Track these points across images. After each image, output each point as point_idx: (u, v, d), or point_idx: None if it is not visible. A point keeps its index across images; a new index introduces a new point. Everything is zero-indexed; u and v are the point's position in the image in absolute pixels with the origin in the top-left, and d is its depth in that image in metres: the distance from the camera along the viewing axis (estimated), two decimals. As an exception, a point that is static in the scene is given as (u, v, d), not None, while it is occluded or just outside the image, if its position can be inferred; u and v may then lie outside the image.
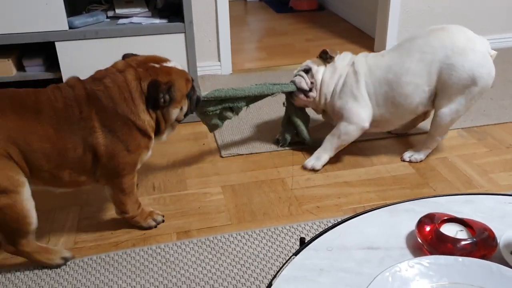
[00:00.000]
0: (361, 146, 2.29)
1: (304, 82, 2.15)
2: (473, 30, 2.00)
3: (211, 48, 3.13)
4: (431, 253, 0.85)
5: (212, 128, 2.12)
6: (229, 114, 2.09)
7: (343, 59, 2.14)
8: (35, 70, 2.37)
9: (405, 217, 0.96)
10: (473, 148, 2.28)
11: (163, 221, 1.81)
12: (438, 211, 0.93)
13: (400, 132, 2.38)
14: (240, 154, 2.27)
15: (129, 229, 1.79)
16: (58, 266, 1.60)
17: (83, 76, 2.36)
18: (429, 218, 0.89)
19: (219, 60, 3.17)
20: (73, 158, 1.51)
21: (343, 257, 0.87)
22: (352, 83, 2.05)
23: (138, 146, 1.60)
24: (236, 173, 2.14)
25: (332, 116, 2.18)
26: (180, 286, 1.53)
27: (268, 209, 1.89)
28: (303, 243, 0.90)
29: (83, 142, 1.51)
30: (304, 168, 2.14)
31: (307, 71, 2.17)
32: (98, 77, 1.58)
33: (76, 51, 2.29)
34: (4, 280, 1.57)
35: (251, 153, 2.28)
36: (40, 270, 1.60)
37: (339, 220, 0.96)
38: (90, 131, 1.51)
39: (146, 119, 1.59)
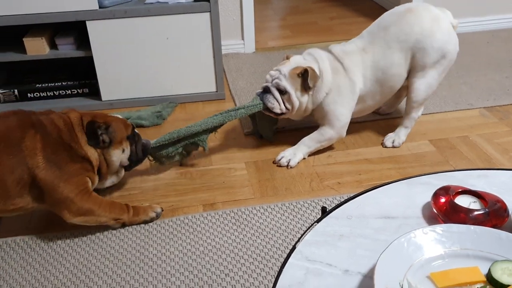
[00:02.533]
0: (383, 124, 2.33)
1: (278, 107, 2.03)
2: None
3: (235, 26, 3.17)
4: (445, 223, 0.90)
5: (182, 161, 2.08)
6: (193, 148, 2.02)
7: (325, 71, 2.02)
8: (66, 49, 2.46)
9: (421, 189, 1.02)
10: (494, 127, 2.30)
11: (162, 211, 1.80)
12: (453, 185, 0.98)
13: (387, 112, 2.41)
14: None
15: (158, 200, 1.88)
16: None
17: (112, 54, 2.45)
18: (444, 190, 0.94)
19: (243, 39, 3.21)
20: (10, 181, 1.53)
21: (362, 225, 0.93)
22: (348, 93, 2.05)
23: (80, 170, 1.64)
24: (259, 149, 2.20)
25: (313, 117, 2.15)
26: (207, 254, 1.62)
27: (290, 185, 1.96)
28: (325, 212, 0.97)
29: (22, 163, 1.54)
30: (278, 162, 2.08)
31: (283, 92, 2.01)
32: (45, 112, 1.69)
33: (106, 30, 2.37)
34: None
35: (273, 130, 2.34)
36: (77, 238, 1.71)
37: (353, 195, 1.02)
38: (31, 153, 1.55)
39: (90, 151, 1.67)
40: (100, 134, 1.68)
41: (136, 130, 1.85)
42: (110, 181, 1.80)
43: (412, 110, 2.13)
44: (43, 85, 2.57)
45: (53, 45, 2.48)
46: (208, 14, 2.42)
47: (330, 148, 2.17)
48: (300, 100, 2.03)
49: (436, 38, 1.98)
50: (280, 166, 2.07)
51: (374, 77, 2.05)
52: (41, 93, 2.57)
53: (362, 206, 0.98)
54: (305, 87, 2.00)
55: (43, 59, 2.49)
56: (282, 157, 2.08)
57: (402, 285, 0.76)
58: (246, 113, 2.03)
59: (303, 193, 1.91)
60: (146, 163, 2.01)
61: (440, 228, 0.85)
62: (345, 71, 2.04)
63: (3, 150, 1.53)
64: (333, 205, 1.80)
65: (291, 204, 1.83)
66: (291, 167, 2.06)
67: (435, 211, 0.93)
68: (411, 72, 2.06)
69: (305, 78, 1.98)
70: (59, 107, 2.52)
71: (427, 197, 0.98)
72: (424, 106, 2.19)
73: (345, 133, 2.12)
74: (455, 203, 0.91)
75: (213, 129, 2.01)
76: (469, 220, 0.88)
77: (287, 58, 2.09)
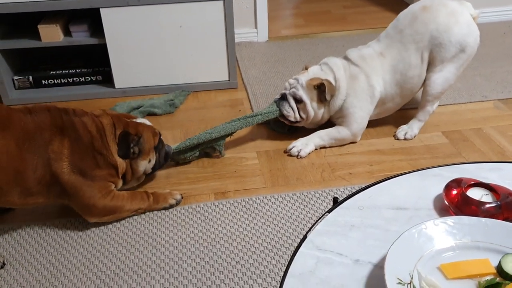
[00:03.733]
0: (395, 115, 2.32)
1: (292, 115, 2.08)
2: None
3: (248, 15, 3.16)
4: (457, 215, 0.91)
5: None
6: (210, 151, 2.06)
7: (341, 80, 2.04)
8: (80, 36, 2.48)
9: (433, 181, 1.02)
10: (509, 119, 2.28)
11: (182, 198, 1.82)
12: (466, 177, 0.98)
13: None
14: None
15: (170, 188, 1.90)
16: None
17: (125, 42, 2.46)
18: (456, 182, 0.94)
19: (256, 27, 3.20)
20: (31, 178, 1.53)
21: (373, 215, 0.94)
22: (367, 97, 2.06)
23: (105, 176, 1.65)
24: (270, 139, 2.21)
25: (331, 119, 2.16)
26: (218, 241, 1.64)
27: (301, 175, 1.97)
28: (336, 202, 0.98)
29: (46, 165, 1.54)
30: (289, 151, 2.09)
31: (299, 101, 2.06)
32: (78, 113, 1.66)
33: (120, 18, 2.38)
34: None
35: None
36: (91, 224, 1.73)
37: (365, 186, 1.03)
38: (57, 157, 1.55)
39: (119, 160, 1.67)
40: (132, 146, 1.68)
41: (161, 137, 1.86)
42: (130, 184, 1.82)
43: (427, 104, 2.11)
44: (57, 72, 2.60)
45: (67, 32, 2.50)
46: (221, 2, 2.42)
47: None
48: (315, 111, 2.08)
49: (454, 32, 1.95)
50: (290, 155, 2.08)
51: (393, 80, 2.06)
52: (55, 80, 2.60)
53: (374, 196, 0.99)
54: (321, 99, 2.04)
55: (57, 46, 2.51)
56: (293, 147, 2.09)
57: (412, 275, 0.76)
58: (262, 119, 2.07)
59: (314, 183, 1.91)
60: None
61: (451, 220, 0.86)
62: (364, 76, 2.04)
63: (28, 149, 1.52)
64: (345, 195, 1.80)
65: (302, 194, 1.84)
66: (301, 157, 2.07)
67: (447, 203, 0.93)
68: (429, 66, 2.04)
69: (322, 91, 2.02)
70: (73, 94, 2.55)
71: (439, 189, 0.99)
72: (439, 100, 2.17)
73: (359, 138, 2.14)
74: (467, 195, 0.91)
75: (230, 134, 2.05)
76: (481, 212, 0.88)
77: (306, 68, 2.14)
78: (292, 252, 1.56)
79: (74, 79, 2.60)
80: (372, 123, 2.22)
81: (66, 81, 2.60)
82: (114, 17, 2.38)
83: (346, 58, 2.12)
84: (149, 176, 1.92)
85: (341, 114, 2.10)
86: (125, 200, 1.70)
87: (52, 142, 1.55)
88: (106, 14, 2.36)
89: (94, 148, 1.61)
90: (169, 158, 1.93)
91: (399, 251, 0.79)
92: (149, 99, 2.49)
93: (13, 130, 1.51)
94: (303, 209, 1.77)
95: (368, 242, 0.88)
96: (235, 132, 2.05)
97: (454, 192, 0.93)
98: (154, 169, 1.84)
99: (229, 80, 2.64)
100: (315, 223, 0.92)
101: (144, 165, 1.76)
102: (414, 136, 2.16)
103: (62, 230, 1.71)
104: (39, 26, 2.41)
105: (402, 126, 2.19)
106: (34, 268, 1.57)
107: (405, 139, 2.15)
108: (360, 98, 2.06)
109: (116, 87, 2.57)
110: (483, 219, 0.85)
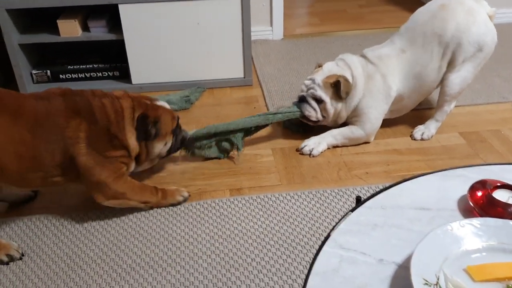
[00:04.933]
0: (412, 115, 2.30)
1: (315, 115, 2.08)
2: None
3: (264, 12, 3.16)
4: (482, 216, 0.90)
5: (212, 155, 2.05)
6: (226, 145, 2.03)
7: (359, 78, 2.03)
8: (98, 31, 2.49)
9: (457, 182, 1.01)
10: (527, 121, 2.26)
11: (189, 195, 1.82)
12: (490, 178, 0.97)
13: None
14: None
15: (186, 183, 1.91)
16: (2, 262, 1.57)
17: (143, 38, 2.47)
18: (481, 184, 0.94)
19: (271, 25, 3.20)
20: (50, 163, 1.55)
21: (396, 215, 0.93)
22: (382, 97, 2.05)
23: (119, 157, 1.65)
24: (286, 136, 2.21)
25: (346, 119, 2.15)
26: (233, 238, 1.64)
27: (317, 173, 1.96)
28: (359, 201, 0.97)
29: (64, 150, 1.55)
30: (300, 150, 2.08)
31: (320, 101, 2.05)
32: (98, 94, 1.65)
33: (138, 14, 2.39)
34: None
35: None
36: (107, 217, 1.74)
37: (388, 185, 1.02)
38: (73, 141, 1.55)
39: (132, 142, 1.67)
40: (149, 129, 1.68)
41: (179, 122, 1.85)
42: (142, 167, 1.82)
43: (444, 104, 2.10)
44: (74, 66, 2.61)
45: (85, 28, 2.51)
46: (239, 0, 2.42)
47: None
48: (335, 108, 2.07)
49: (472, 32, 1.94)
50: (302, 154, 2.08)
51: (412, 76, 2.04)
52: (72, 75, 2.61)
53: (396, 196, 0.98)
54: (339, 96, 2.03)
55: (75, 41, 2.52)
56: (305, 146, 2.08)
57: (439, 276, 0.76)
58: (282, 118, 2.06)
59: (330, 181, 1.91)
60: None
61: (477, 221, 0.85)
62: (381, 76, 2.03)
63: (44, 136, 1.53)
64: (361, 194, 1.80)
65: (318, 192, 1.83)
66: (313, 156, 2.06)
67: (472, 204, 0.92)
68: (447, 66, 2.02)
69: (338, 88, 2.00)
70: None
71: (462, 190, 0.98)
72: (456, 100, 2.16)
73: (373, 138, 2.13)
74: (493, 197, 0.90)
75: (249, 130, 2.03)
76: (507, 215, 0.87)
77: (319, 66, 2.12)
78: (308, 251, 1.57)
79: (92, 74, 2.62)
80: (388, 123, 2.21)
81: (83, 76, 2.62)
82: (132, 13, 2.38)
83: (363, 56, 2.11)
84: (164, 159, 1.92)
85: (356, 113, 2.09)
86: (136, 188, 1.71)
87: (68, 126, 1.55)
88: (125, 10, 2.37)
89: (110, 131, 1.61)
90: (185, 144, 1.92)
91: (424, 251, 0.79)
92: (165, 95, 2.50)
93: (27, 118, 1.51)
94: (319, 207, 1.76)
95: (391, 241, 0.87)
96: (254, 128, 2.03)
97: (479, 193, 0.92)
98: (169, 152, 1.84)
99: (244, 77, 2.64)
100: (338, 222, 0.91)
101: (160, 147, 1.76)
102: (431, 137, 2.14)
103: (79, 223, 1.73)
104: (58, 21, 2.42)
105: (419, 126, 2.18)
106: (51, 260, 1.58)
107: (422, 139, 2.14)
108: (376, 98, 2.05)
109: (133, 82, 2.58)
110: (510, 221, 0.84)
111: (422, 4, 2.14)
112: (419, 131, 2.15)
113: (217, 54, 2.55)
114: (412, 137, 2.15)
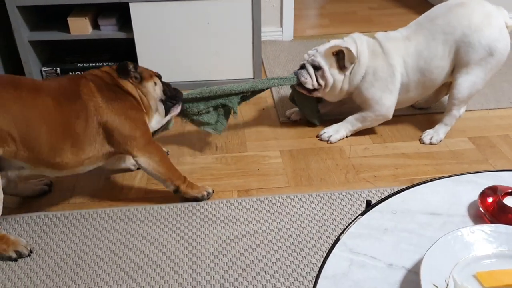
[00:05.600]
0: (421, 119, 2.30)
1: (310, 82, 2.08)
2: None
3: (274, 13, 3.16)
4: (492, 223, 0.90)
5: (217, 127, 2.07)
6: (222, 111, 2.05)
7: (363, 53, 2.04)
8: (108, 30, 2.50)
9: (467, 188, 1.01)
10: (537, 127, 2.25)
11: (213, 191, 1.85)
12: (501, 185, 0.97)
13: (423, 106, 2.38)
14: (299, 121, 2.33)
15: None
16: (10, 258, 1.58)
17: (153, 37, 2.47)
18: (492, 190, 0.93)
19: (281, 26, 3.20)
20: (78, 126, 1.60)
21: (407, 219, 0.93)
22: (387, 77, 2.04)
23: (132, 104, 1.73)
24: (294, 138, 2.21)
25: (354, 101, 2.17)
26: (241, 239, 1.64)
27: (325, 175, 1.96)
28: (369, 205, 0.97)
29: (86, 108, 1.62)
30: (320, 137, 2.17)
31: (317, 68, 2.06)
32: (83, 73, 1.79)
33: (148, 13, 2.40)
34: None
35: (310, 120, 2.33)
36: (116, 215, 1.75)
37: (396, 189, 1.02)
38: (90, 97, 1.64)
39: (129, 86, 1.76)
40: (131, 70, 1.77)
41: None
42: (156, 121, 1.84)
43: (453, 107, 2.09)
44: (84, 64, 2.62)
45: (95, 26, 2.52)
46: (249, 0, 2.42)
47: (367, 140, 2.16)
48: (334, 78, 2.06)
49: (484, 34, 1.93)
50: (321, 140, 2.16)
51: (416, 66, 2.03)
52: (82, 72, 2.62)
53: (407, 201, 0.98)
54: (341, 67, 2.04)
55: (85, 39, 2.54)
56: (324, 132, 2.16)
57: (448, 282, 0.76)
58: (279, 83, 2.08)
59: (338, 184, 1.91)
60: (183, 147, 2.04)
61: (488, 227, 0.85)
62: (384, 55, 2.04)
63: (64, 102, 1.60)
64: (369, 197, 1.80)
65: (326, 195, 1.83)
66: (331, 143, 2.14)
67: (482, 211, 0.92)
68: (456, 67, 2.02)
69: (341, 58, 2.02)
70: (99, 87, 2.57)
71: (473, 196, 0.98)
72: (466, 105, 2.15)
73: (391, 115, 2.13)
74: (503, 203, 0.90)
75: (245, 94, 2.04)
76: (518, 221, 0.87)
77: (328, 41, 2.15)
78: (316, 253, 1.57)
79: (101, 72, 2.63)
80: (397, 126, 2.20)
81: (93, 74, 2.63)
82: (142, 12, 2.39)
83: (373, 36, 2.14)
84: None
85: (362, 95, 2.10)
86: (166, 159, 1.76)
87: (80, 86, 1.65)
88: (135, 9, 2.38)
89: (108, 83, 1.72)
90: (181, 98, 1.95)
91: (435, 257, 0.78)
92: (174, 94, 2.50)
93: (46, 92, 1.59)
94: (327, 210, 1.76)
95: (401, 246, 0.87)
96: (251, 93, 2.05)
97: (490, 199, 0.92)
98: (170, 98, 1.87)
99: (253, 78, 2.64)
100: (348, 225, 0.91)
101: (151, 86, 1.81)
102: (440, 141, 2.13)
103: (87, 221, 1.73)
104: (68, 19, 2.44)
105: (428, 130, 2.17)
106: (59, 257, 1.59)
107: (430, 143, 2.13)
108: (379, 78, 2.05)
109: (142, 81, 2.58)
110: (521, 228, 0.84)
111: (432, 7, 2.14)
112: (428, 135, 2.15)
113: (226, 55, 2.56)
114: (421, 141, 2.15)
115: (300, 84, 2.10)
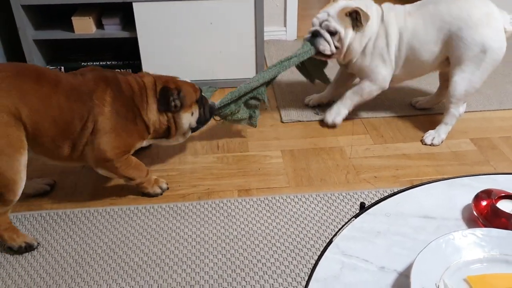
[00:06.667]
0: (423, 120, 2.30)
1: (328, 48, 2.08)
2: None
3: (277, 13, 3.16)
4: (486, 226, 0.90)
5: (251, 122, 2.12)
6: (254, 102, 2.07)
7: (372, 16, 2.06)
8: (112, 29, 2.51)
9: (462, 191, 1.01)
10: (540, 129, 2.24)
11: (167, 188, 1.89)
12: (495, 188, 0.97)
13: (425, 107, 2.39)
14: (301, 121, 2.34)
15: (195, 183, 1.92)
16: (19, 249, 1.61)
17: (156, 36, 2.48)
18: (486, 193, 0.93)
19: (285, 26, 3.20)
20: (79, 128, 1.61)
21: (400, 223, 0.93)
22: (383, 46, 2.08)
23: (136, 131, 1.71)
24: (295, 138, 2.21)
25: (354, 72, 2.22)
26: (240, 239, 1.65)
27: (326, 176, 1.96)
28: (363, 208, 0.98)
29: (90, 113, 1.62)
30: (325, 123, 2.24)
31: (334, 33, 2.05)
32: (123, 72, 1.79)
33: (152, 12, 2.41)
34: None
35: (311, 120, 2.34)
36: (116, 214, 1.77)
37: (396, 190, 1.02)
38: (99, 104, 1.63)
39: (153, 119, 1.75)
40: (172, 99, 1.75)
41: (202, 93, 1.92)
42: (176, 140, 1.88)
43: (450, 106, 2.09)
44: (88, 63, 2.64)
45: (99, 25, 2.54)
46: (253, 0, 2.42)
47: (368, 141, 2.16)
48: (350, 39, 2.07)
49: (479, 32, 1.94)
50: (326, 123, 2.25)
51: (409, 43, 2.07)
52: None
53: (401, 204, 0.98)
54: (353, 26, 2.04)
55: (89, 38, 2.55)
56: (328, 115, 2.24)
57: (438, 286, 0.76)
58: (298, 60, 2.08)
59: (339, 185, 1.91)
60: (190, 144, 2.05)
61: (480, 231, 0.85)
62: (383, 23, 2.07)
63: (76, 101, 1.60)
64: (369, 199, 1.80)
65: (326, 195, 1.83)
66: (335, 124, 2.24)
67: (476, 214, 0.92)
68: (451, 65, 2.03)
69: (354, 17, 2.02)
70: (103, 86, 2.59)
71: (467, 199, 0.98)
72: (465, 103, 2.14)
73: (387, 85, 2.17)
74: (497, 207, 0.90)
75: (270, 81, 2.08)
76: (511, 225, 0.87)
77: (333, 1, 2.13)
78: (314, 254, 1.57)
79: (104, 71, 2.64)
80: (399, 127, 2.20)
81: (96, 73, 2.64)
82: (146, 12, 2.40)
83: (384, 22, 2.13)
84: (195, 132, 1.99)
85: (361, 64, 2.13)
86: (130, 165, 1.75)
87: (96, 90, 1.64)
88: (139, 8, 2.39)
89: (134, 102, 1.70)
90: (214, 114, 1.99)
91: (425, 260, 0.79)
92: (176, 93, 2.52)
93: (63, 88, 1.60)
94: (327, 210, 1.77)
95: (394, 249, 0.87)
96: (274, 78, 2.08)
97: (484, 203, 0.92)
98: (200, 123, 1.89)
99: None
100: (341, 228, 0.92)
101: (188, 118, 1.81)
102: (441, 142, 2.13)
103: (88, 220, 1.75)
104: (73, 18, 2.45)
105: (429, 131, 2.17)
106: (60, 255, 1.61)
107: (432, 144, 2.13)
108: (376, 45, 2.08)
109: (145, 80, 2.59)
110: (513, 233, 0.84)
111: None
112: (429, 136, 2.15)
113: (229, 54, 2.56)
114: (422, 142, 2.15)
115: (318, 52, 2.10)
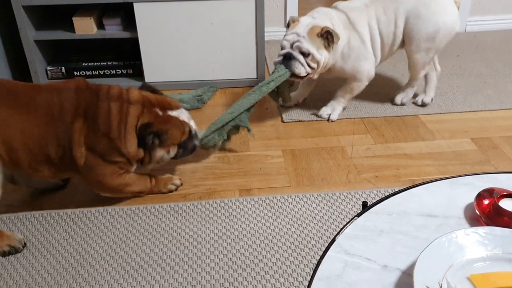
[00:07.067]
0: (424, 119, 2.30)
1: (303, 70, 2.08)
2: None
3: (278, 13, 3.16)
4: (488, 225, 0.90)
5: (224, 145, 2.11)
6: (235, 131, 2.07)
7: (338, 27, 2.09)
8: (113, 29, 2.51)
9: (464, 190, 1.01)
10: (541, 128, 2.24)
11: (181, 184, 1.90)
12: (497, 187, 0.97)
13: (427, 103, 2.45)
14: (301, 121, 2.34)
15: (196, 183, 1.92)
16: (5, 253, 1.61)
17: (157, 36, 2.48)
18: (488, 192, 0.93)
19: (285, 26, 3.20)
20: (55, 156, 1.60)
21: (402, 221, 0.94)
22: (359, 45, 2.15)
23: (116, 161, 1.68)
24: (296, 138, 2.21)
25: (336, 75, 2.26)
26: (242, 238, 1.65)
27: (327, 175, 1.96)
28: (365, 207, 0.98)
29: (67, 147, 1.59)
30: (320, 116, 2.30)
31: (306, 54, 2.04)
32: (112, 94, 1.65)
33: (152, 13, 2.41)
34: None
35: (312, 120, 2.34)
36: (117, 214, 1.77)
37: (395, 191, 1.02)
38: (76, 142, 1.59)
39: (132, 151, 1.67)
40: (151, 140, 1.67)
41: (193, 131, 1.81)
42: (149, 167, 1.83)
43: (415, 76, 2.32)
44: (89, 64, 2.64)
45: (100, 25, 2.54)
46: (253, 0, 2.42)
47: (369, 140, 2.16)
48: (323, 57, 2.09)
49: (431, 8, 2.11)
50: (321, 118, 2.30)
51: (378, 29, 2.17)
52: (86, 72, 2.64)
53: (404, 202, 0.98)
54: (325, 46, 2.07)
55: (90, 39, 2.55)
56: (324, 112, 2.31)
57: (441, 284, 0.76)
58: (276, 84, 2.09)
59: (340, 184, 1.91)
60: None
61: (482, 230, 0.85)
62: (351, 25, 2.13)
63: (51, 132, 1.57)
64: (370, 198, 1.80)
65: (327, 195, 1.83)
66: (331, 121, 2.29)
67: (478, 213, 0.92)
68: (406, 40, 2.19)
69: (325, 37, 2.04)
70: (104, 86, 2.59)
71: (469, 198, 0.98)
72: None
73: (373, 74, 2.24)
74: (499, 206, 0.90)
75: (250, 108, 2.07)
76: (513, 224, 0.87)
77: (294, 21, 2.14)
78: (316, 253, 1.57)
79: (106, 71, 2.65)
80: (400, 126, 2.20)
81: (97, 73, 2.65)
82: (147, 12, 2.41)
83: (335, 8, 2.20)
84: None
85: (341, 69, 2.19)
86: (131, 181, 1.76)
87: (75, 121, 1.59)
88: (139, 9, 2.40)
89: (109, 137, 1.62)
90: (196, 150, 1.91)
91: (428, 259, 0.79)
92: (178, 93, 2.52)
93: (38, 112, 1.56)
94: (328, 210, 1.77)
95: (396, 248, 0.87)
96: (254, 105, 2.08)
97: (486, 202, 0.92)
98: (176, 158, 1.84)
99: (257, 78, 2.64)
100: (344, 226, 0.92)
101: (161, 155, 1.76)
102: (409, 100, 2.40)
103: (89, 220, 1.75)
104: (73, 18, 2.45)
105: (399, 93, 2.42)
106: (61, 255, 1.61)
107: (401, 103, 2.39)
108: (352, 47, 2.14)
109: (146, 81, 2.60)
110: (516, 231, 0.84)
111: None
112: (399, 97, 2.39)
113: (230, 54, 2.56)
114: (392, 102, 2.41)
115: (294, 74, 2.10)
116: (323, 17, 2.09)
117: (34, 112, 1.56)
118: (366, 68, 2.19)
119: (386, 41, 2.19)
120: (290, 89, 2.30)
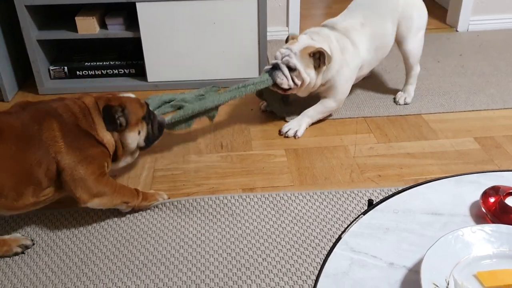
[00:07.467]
0: (427, 119, 2.30)
1: (286, 82, 2.09)
2: None
3: (280, 13, 3.16)
4: (494, 223, 0.90)
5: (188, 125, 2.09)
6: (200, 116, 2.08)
7: (335, 50, 2.12)
8: (116, 29, 2.52)
9: (470, 188, 1.01)
10: (544, 128, 2.23)
11: (168, 198, 1.82)
12: (503, 185, 0.97)
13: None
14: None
15: (199, 181, 1.92)
16: (17, 254, 1.60)
17: (159, 36, 2.49)
18: (494, 190, 0.93)
19: (287, 26, 3.20)
20: (39, 173, 1.53)
21: (408, 219, 0.94)
22: (355, 68, 2.20)
23: (99, 154, 1.63)
24: (299, 137, 2.21)
25: (317, 94, 2.26)
26: (245, 237, 1.65)
27: (330, 174, 1.96)
28: (371, 205, 0.98)
29: (47, 154, 1.53)
30: (284, 133, 2.20)
31: (293, 69, 2.06)
32: (57, 99, 1.66)
33: (155, 12, 2.41)
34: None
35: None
36: (121, 213, 1.77)
37: (400, 189, 1.03)
38: (52, 141, 1.54)
39: (106, 137, 1.65)
40: (118, 117, 1.66)
41: (151, 109, 1.84)
42: (124, 162, 1.80)
43: (411, 72, 2.38)
44: (91, 63, 2.65)
45: (103, 25, 2.54)
46: (255, 0, 2.43)
47: (372, 140, 2.16)
48: (310, 78, 2.10)
49: (417, 5, 2.26)
50: (287, 137, 2.20)
51: (373, 47, 2.21)
52: (89, 71, 2.65)
53: (409, 200, 0.98)
54: (316, 67, 2.08)
55: (93, 38, 2.55)
56: (289, 129, 2.20)
57: (449, 281, 0.76)
58: (255, 88, 2.09)
59: (343, 183, 1.91)
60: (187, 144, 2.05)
61: (489, 227, 0.85)
62: (354, 48, 2.16)
63: (26, 147, 1.51)
64: (374, 197, 1.80)
65: (330, 194, 1.84)
66: (298, 137, 2.19)
67: (484, 211, 0.92)
68: (401, 40, 2.29)
69: (316, 58, 2.06)
70: (106, 86, 2.59)
71: (475, 196, 0.98)
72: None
73: (341, 104, 2.29)
74: (505, 203, 0.90)
75: (222, 104, 2.08)
76: (520, 222, 0.87)
77: (293, 38, 2.17)
78: (320, 252, 1.57)
79: (108, 71, 2.65)
80: (403, 126, 2.20)
81: (100, 73, 2.65)
82: (149, 12, 2.41)
83: (333, 28, 2.20)
84: (145, 150, 1.91)
85: (329, 85, 2.18)
86: (118, 188, 1.68)
87: (42, 129, 1.54)
88: (142, 8, 2.40)
89: (81, 128, 1.60)
90: (163, 130, 1.92)
91: (435, 256, 0.79)
92: (180, 93, 2.51)
93: (7, 134, 1.51)
94: (331, 209, 1.77)
95: (402, 246, 0.87)
96: (226, 102, 2.09)
97: (492, 199, 0.92)
98: (149, 141, 1.82)
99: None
100: (350, 224, 0.92)
101: (134, 137, 1.73)
102: (411, 99, 2.42)
103: (92, 219, 1.75)
104: (76, 18, 2.46)
105: (399, 92, 2.45)
106: (65, 254, 1.61)
107: (405, 103, 2.40)
108: (350, 69, 2.17)
109: (148, 80, 2.60)
110: (522, 229, 0.84)
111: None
112: (401, 97, 2.41)
113: (232, 54, 2.56)
114: (396, 102, 2.41)
115: (276, 84, 2.11)
116: (322, 39, 2.12)
117: (4, 134, 1.50)
118: (347, 90, 2.23)
119: (387, 48, 2.29)
120: (285, 103, 2.36)
